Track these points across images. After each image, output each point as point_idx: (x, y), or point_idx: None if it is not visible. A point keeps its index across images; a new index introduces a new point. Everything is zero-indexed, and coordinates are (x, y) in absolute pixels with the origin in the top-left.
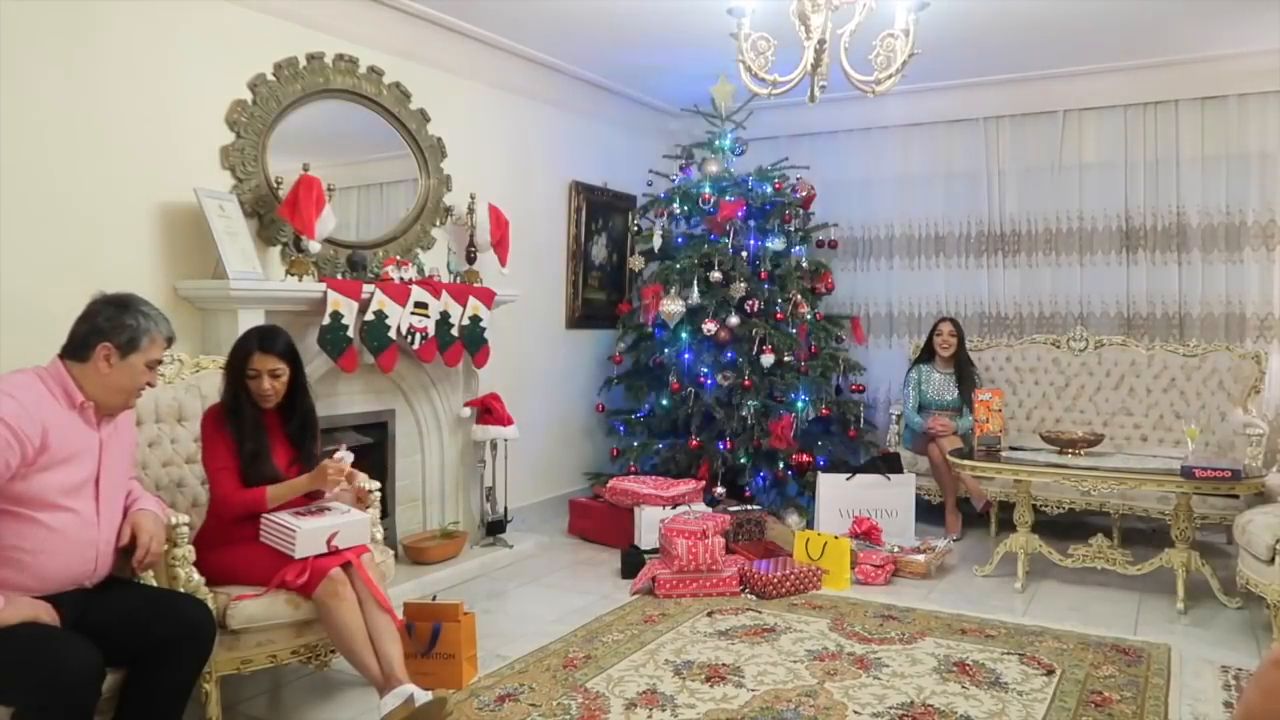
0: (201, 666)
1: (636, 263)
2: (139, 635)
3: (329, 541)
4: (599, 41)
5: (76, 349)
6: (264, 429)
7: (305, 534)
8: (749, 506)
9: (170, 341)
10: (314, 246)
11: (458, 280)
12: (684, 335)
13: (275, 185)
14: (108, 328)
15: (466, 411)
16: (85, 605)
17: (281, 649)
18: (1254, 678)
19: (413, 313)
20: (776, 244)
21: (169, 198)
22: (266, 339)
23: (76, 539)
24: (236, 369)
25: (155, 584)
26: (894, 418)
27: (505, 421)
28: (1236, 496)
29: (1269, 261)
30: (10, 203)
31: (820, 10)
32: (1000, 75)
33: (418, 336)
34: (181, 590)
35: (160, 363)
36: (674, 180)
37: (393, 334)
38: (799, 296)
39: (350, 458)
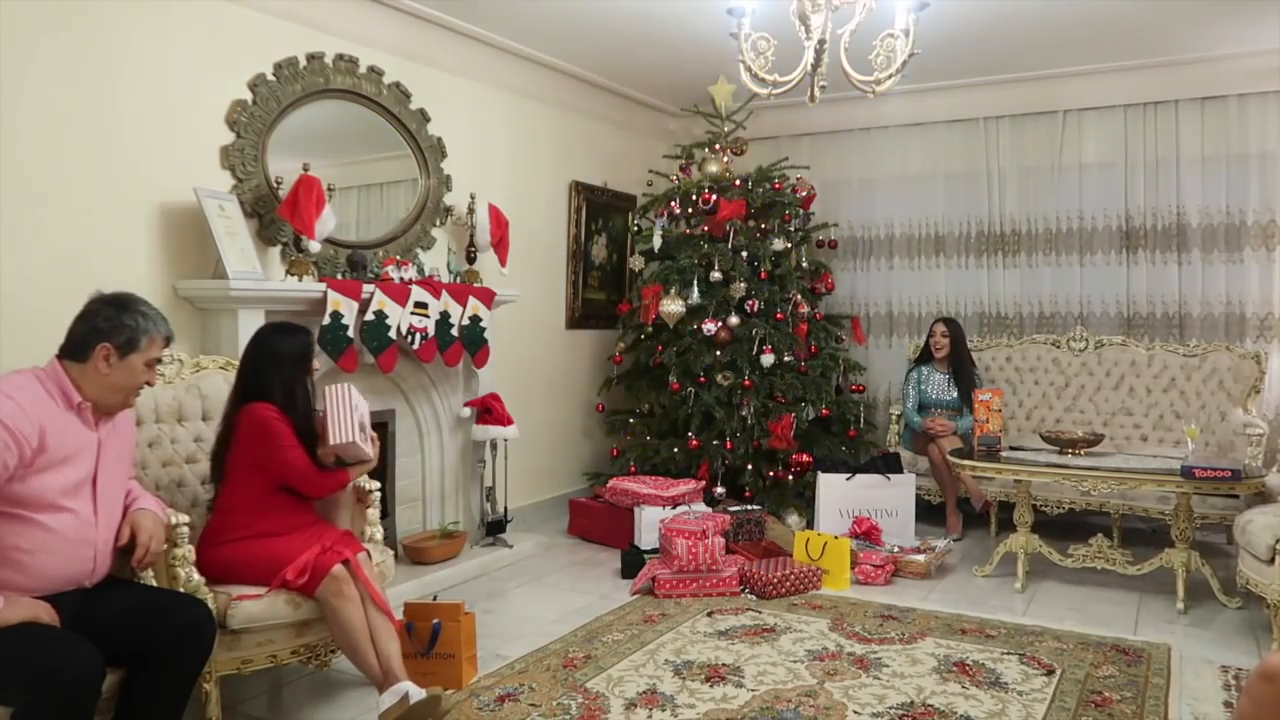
0: (201, 666)
1: (636, 263)
2: (139, 635)
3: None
4: (599, 41)
5: (75, 349)
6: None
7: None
8: (749, 506)
9: (169, 340)
10: (314, 246)
11: (458, 280)
12: (684, 335)
13: (275, 185)
14: (106, 328)
15: (466, 411)
16: (85, 605)
17: (282, 649)
18: (1245, 688)
19: (413, 313)
20: (777, 244)
21: (169, 198)
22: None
23: (75, 539)
24: (304, 358)
25: (155, 584)
26: (894, 418)
27: (505, 421)
28: (1236, 496)
29: (1269, 261)
30: (10, 202)
31: (820, 10)
32: (1000, 75)
33: (418, 336)
34: (181, 590)
35: (159, 362)
36: (674, 180)
37: (393, 334)
38: (799, 296)
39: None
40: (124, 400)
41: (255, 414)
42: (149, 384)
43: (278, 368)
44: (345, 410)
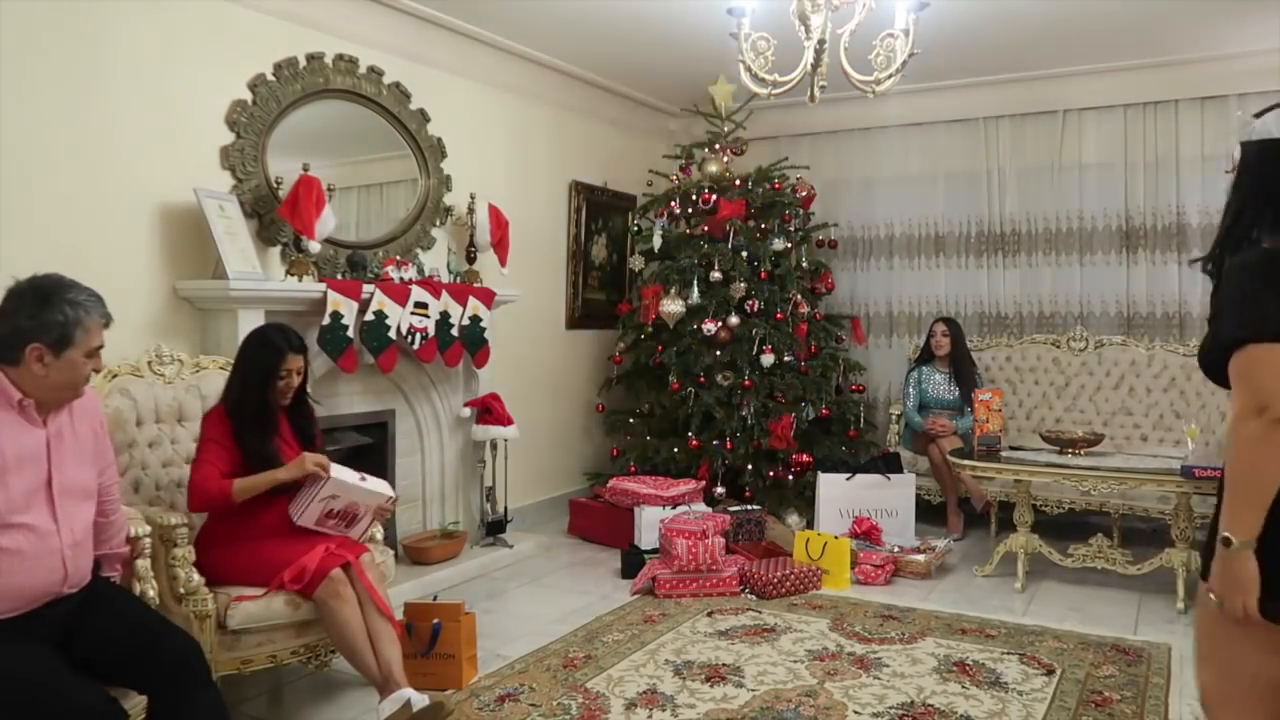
0: (204, 693)
1: (636, 263)
2: (128, 667)
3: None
4: (599, 41)
5: (4, 351)
6: (276, 428)
7: (337, 477)
8: (749, 506)
9: (108, 322)
10: (314, 246)
11: (458, 280)
12: (684, 335)
13: (275, 185)
14: (32, 326)
15: (466, 411)
16: (76, 622)
17: (281, 649)
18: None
19: (413, 313)
20: (777, 244)
21: (169, 198)
22: (293, 338)
23: (38, 553)
24: (267, 372)
25: (154, 588)
26: (894, 418)
27: (505, 421)
28: None
29: None
30: (10, 202)
31: (820, 10)
32: (1000, 75)
33: (418, 336)
34: (182, 590)
35: (101, 347)
36: (674, 180)
37: (393, 334)
38: (799, 296)
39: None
40: (73, 394)
41: (204, 415)
42: (95, 371)
43: (242, 373)
44: (313, 498)
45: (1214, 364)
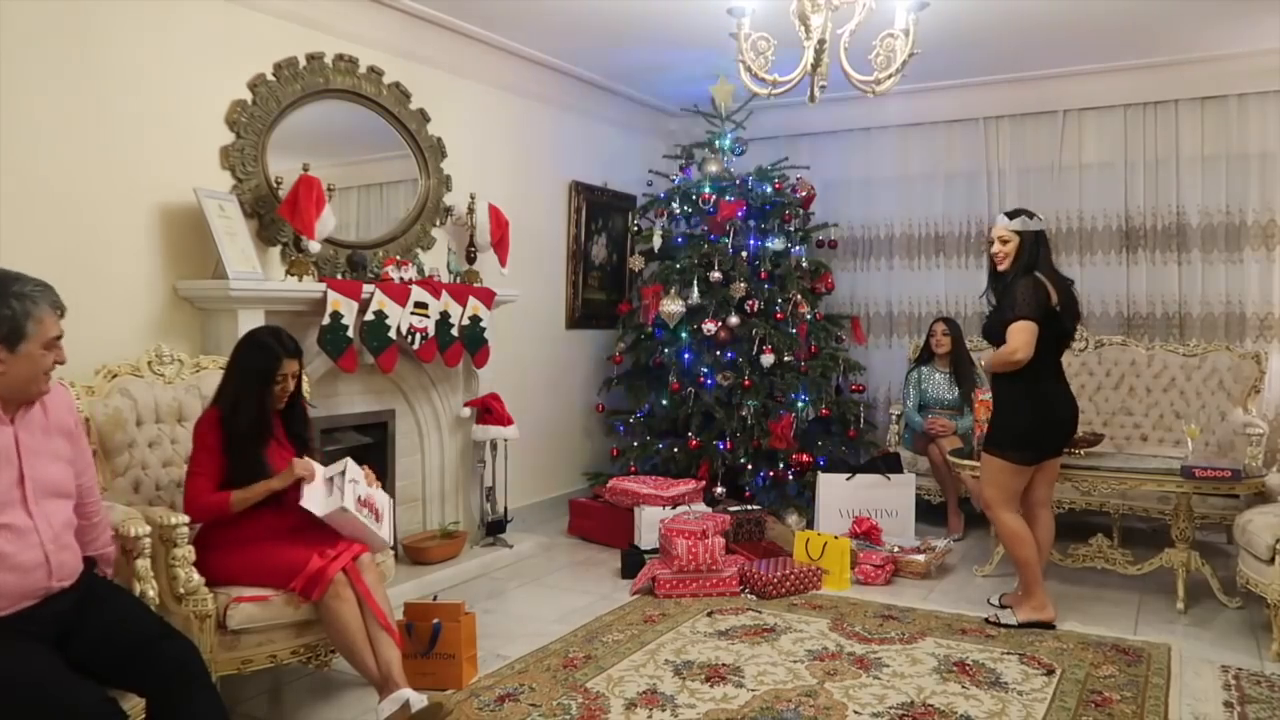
0: (203, 694)
1: (636, 263)
2: (126, 671)
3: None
4: (599, 41)
5: None
6: (270, 434)
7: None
8: (749, 506)
9: (61, 310)
10: (314, 246)
11: (458, 280)
12: (684, 335)
13: (275, 185)
14: None
15: (466, 411)
16: (74, 621)
17: (281, 649)
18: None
19: (413, 313)
20: (776, 244)
21: (169, 198)
22: (287, 342)
23: (18, 554)
24: (262, 376)
25: (155, 588)
26: (894, 418)
27: (505, 421)
28: (1236, 496)
29: (1269, 261)
30: (10, 203)
31: (820, 10)
32: (1000, 75)
33: (418, 336)
34: (182, 590)
35: (60, 337)
36: (674, 180)
37: (393, 334)
38: (799, 296)
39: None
40: (38, 389)
41: (198, 420)
42: (59, 363)
43: (236, 378)
44: (336, 486)
45: (996, 332)
